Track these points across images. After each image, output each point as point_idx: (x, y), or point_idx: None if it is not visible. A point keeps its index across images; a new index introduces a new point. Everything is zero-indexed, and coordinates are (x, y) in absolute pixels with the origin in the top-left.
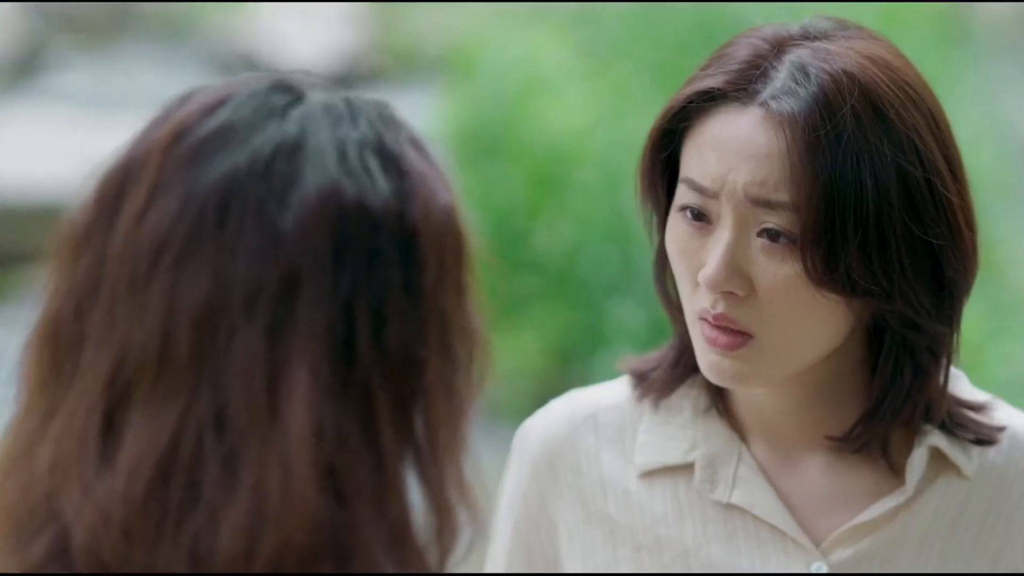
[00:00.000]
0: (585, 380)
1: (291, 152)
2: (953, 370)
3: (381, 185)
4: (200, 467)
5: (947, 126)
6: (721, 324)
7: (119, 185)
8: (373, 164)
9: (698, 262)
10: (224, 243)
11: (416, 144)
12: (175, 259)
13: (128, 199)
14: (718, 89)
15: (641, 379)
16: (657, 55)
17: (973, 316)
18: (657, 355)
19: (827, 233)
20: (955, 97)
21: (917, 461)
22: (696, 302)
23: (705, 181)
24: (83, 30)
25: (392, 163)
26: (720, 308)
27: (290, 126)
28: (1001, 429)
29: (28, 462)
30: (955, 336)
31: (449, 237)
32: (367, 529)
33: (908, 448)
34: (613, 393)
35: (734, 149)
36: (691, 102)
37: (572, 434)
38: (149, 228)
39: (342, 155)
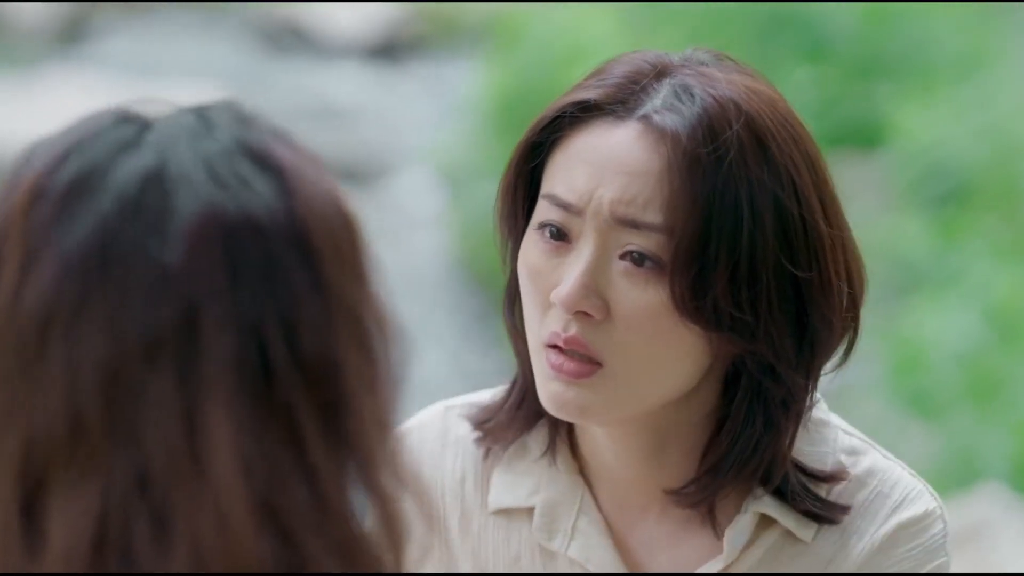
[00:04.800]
0: None
1: (156, 182)
2: (826, 417)
3: (260, 189)
4: (131, 533)
5: (824, 170)
6: (571, 348)
7: None
8: (246, 169)
9: (552, 283)
10: (113, 296)
11: (279, 136)
12: (65, 326)
13: (1, 278)
14: (593, 101)
15: (481, 428)
16: (700, 25)
17: (1017, 287)
18: (497, 399)
19: (698, 259)
20: (998, 68)
21: (739, 528)
22: (545, 326)
23: (570, 196)
24: None
25: (264, 162)
26: (572, 330)
27: (147, 155)
28: (845, 509)
29: None
30: (810, 396)
31: (339, 223)
32: (315, 554)
33: (736, 511)
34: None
35: (605, 163)
36: (564, 114)
37: (443, 454)
38: (30, 302)
39: (210, 170)
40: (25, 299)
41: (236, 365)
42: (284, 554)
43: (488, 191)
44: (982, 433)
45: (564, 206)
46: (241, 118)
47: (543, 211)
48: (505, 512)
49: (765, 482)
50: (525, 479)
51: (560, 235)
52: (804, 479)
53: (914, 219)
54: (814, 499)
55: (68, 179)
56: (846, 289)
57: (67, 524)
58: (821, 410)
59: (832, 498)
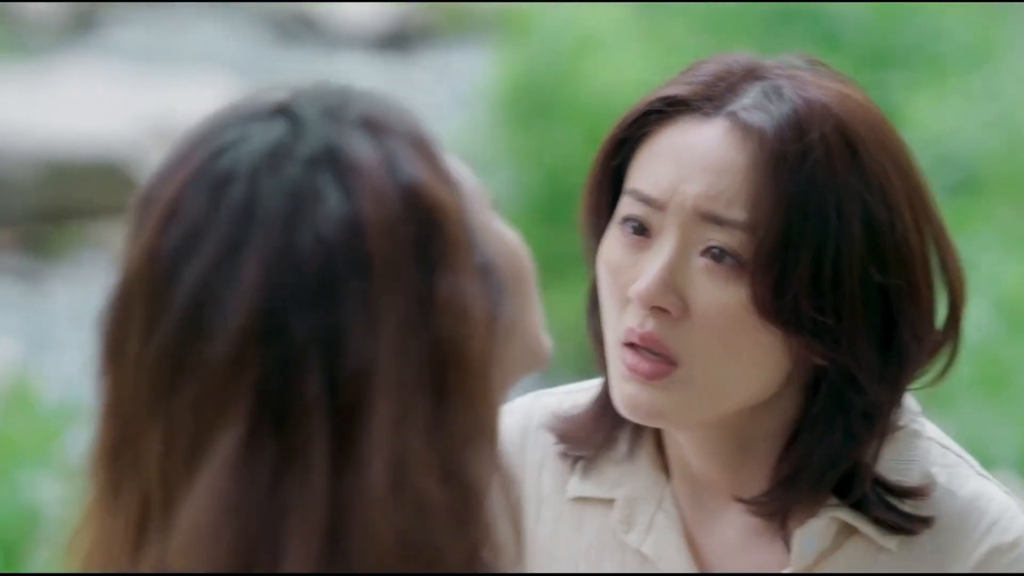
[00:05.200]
0: None
1: (244, 225)
2: (920, 428)
3: (331, 201)
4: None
5: (919, 181)
6: (647, 345)
7: (121, 319)
8: (323, 182)
9: (631, 279)
10: (199, 353)
11: (368, 120)
12: (168, 386)
13: (131, 336)
14: (681, 97)
15: (565, 439)
16: (712, 12)
17: None
18: (583, 411)
19: (780, 259)
20: (1008, 59)
21: (809, 533)
22: (622, 322)
23: (653, 191)
24: None
25: (339, 165)
26: (649, 327)
27: (238, 191)
28: (927, 521)
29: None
30: (895, 410)
31: (403, 223)
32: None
33: (810, 518)
34: (574, 404)
35: (691, 158)
36: (651, 110)
37: (523, 443)
38: (152, 355)
39: (292, 199)
40: (149, 352)
41: (257, 410)
42: None
43: (499, 180)
44: (992, 422)
45: (647, 201)
46: (332, 111)
47: (626, 206)
48: (582, 501)
49: (843, 495)
50: (609, 470)
51: (642, 230)
52: (882, 492)
53: None
54: (895, 513)
55: (174, 244)
56: (941, 302)
57: None
58: (916, 421)
59: (915, 511)
